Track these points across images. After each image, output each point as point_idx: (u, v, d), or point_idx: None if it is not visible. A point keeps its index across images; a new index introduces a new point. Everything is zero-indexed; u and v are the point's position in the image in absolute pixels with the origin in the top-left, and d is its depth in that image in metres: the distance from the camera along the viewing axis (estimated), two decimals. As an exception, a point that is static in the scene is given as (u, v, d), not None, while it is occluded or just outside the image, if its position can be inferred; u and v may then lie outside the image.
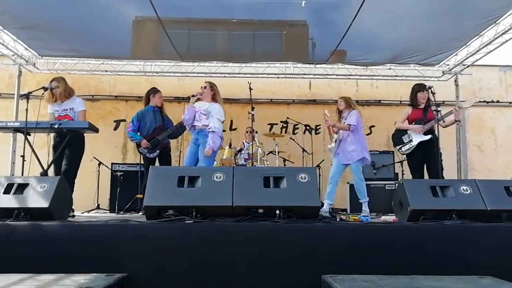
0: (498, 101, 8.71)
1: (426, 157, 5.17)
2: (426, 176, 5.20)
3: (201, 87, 5.29)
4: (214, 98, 5.25)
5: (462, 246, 2.94)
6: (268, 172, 3.49)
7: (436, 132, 5.14)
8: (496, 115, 8.74)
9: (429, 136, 5.20)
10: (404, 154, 5.56)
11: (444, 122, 5.21)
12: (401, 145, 5.45)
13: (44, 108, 5.12)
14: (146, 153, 5.73)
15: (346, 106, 5.50)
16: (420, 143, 5.22)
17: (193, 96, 5.22)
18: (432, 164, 5.07)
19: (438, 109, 5.11)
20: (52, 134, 4.86)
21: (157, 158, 5.87)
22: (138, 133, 5.81)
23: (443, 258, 2.87)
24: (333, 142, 5.58)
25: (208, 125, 5.06)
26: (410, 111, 5.51)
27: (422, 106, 5.43)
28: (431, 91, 5.08)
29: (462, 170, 7.87)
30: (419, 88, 5.48)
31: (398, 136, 5.52)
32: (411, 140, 5.35)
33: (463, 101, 5.35)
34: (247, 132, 7.11)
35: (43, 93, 4.87)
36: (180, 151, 7.00)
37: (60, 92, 5.01)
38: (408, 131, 5.42)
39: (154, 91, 5.97)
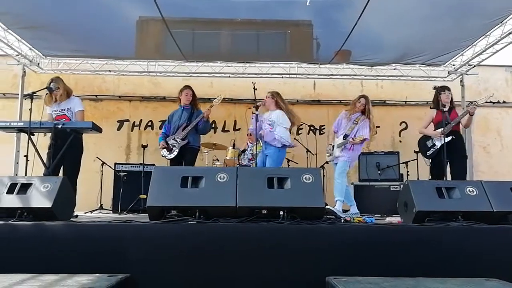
0: (504, 102, 8.63)
1: (449, 158, 5.05)
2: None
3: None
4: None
5: (468, 248, 2.90)
6: (272, 172, 3.47)
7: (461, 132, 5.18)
8: (502, 116, 8.66)
9: (449, 138, 5.18)
10: (430, 159, 5.55)
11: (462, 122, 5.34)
12: (426, 151, 5.51)
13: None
14: (164, 155, 5.49)
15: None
16: (443, 146, 5.05)
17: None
18: (455, 166, 5.16)
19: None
20: (48, 134, 4.85)
21: (181, 159, 5.46)
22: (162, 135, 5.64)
23: (449, 260, 2.83)
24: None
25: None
26: (434, 114, 5.55)
27: (447, 107, 5.36)
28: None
29: (468, 171, 7.80)
30: (441, 89, 5.47)
31: (423, 143, 5.60)
32: (434, 144, 5.42)
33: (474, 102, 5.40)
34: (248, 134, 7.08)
35: (47, 93, 4.89)
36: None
37: (61, 93, 5.02)
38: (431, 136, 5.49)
39: (181, 89, 5.72)
